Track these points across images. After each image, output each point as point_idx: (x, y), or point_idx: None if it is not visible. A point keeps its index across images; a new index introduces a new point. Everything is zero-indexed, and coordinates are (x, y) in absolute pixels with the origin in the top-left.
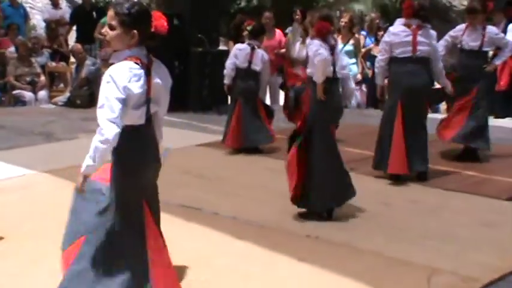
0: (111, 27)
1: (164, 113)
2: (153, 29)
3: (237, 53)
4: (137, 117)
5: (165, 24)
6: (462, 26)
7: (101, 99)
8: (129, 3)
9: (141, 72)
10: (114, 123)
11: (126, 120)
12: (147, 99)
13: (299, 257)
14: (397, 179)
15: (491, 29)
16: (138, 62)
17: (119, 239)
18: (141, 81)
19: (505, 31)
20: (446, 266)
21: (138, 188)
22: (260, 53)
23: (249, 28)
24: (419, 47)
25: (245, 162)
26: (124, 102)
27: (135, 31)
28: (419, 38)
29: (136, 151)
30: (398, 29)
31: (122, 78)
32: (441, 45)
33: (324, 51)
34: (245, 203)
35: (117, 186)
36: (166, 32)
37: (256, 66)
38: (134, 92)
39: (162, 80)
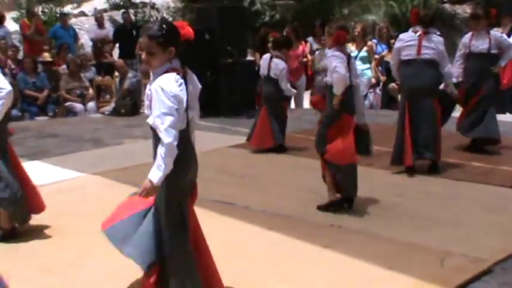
0: (150, 53)
1: (197, 118)
2: (185, 37)
3: (261, 63)
4: (182, 123)
5: (191, 30)
6: (469, 33)
7: (157, 110)
8: (157, 24)
9: (183, 81)
10: (173, 129)
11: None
12: (187, 105)
13: (323, 244)
14: (411, 172)
15: (494, 33)
16: (179, 72)
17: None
18: (184, 90)
19: (509, 34)
20: (457, 249)
21: (186, 186)
22: (275, 61)
23: (271, 39)
24: (423, 51)
25: (272, 160)
26: (177, 110)
27: (172, 48)
28: (424, 43)
29: (182, 153)
30: (406, 35)
31: (172, 89)
32: (458, 56)
33: (342, 67)
34: (273, 197)
35: (169, 186)
36: (193, 37)
37: (273, 74)
38: (183, 100)
39: (194, 88)
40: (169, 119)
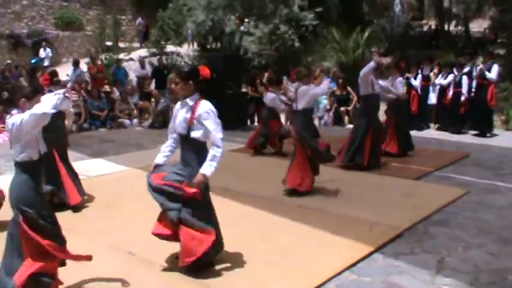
0: (176, 83)
1: None
2: (201, 77)
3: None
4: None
5: (208, 71)
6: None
7: (214, 125)
8: (185, 66)
9: None
10: (224, 139)
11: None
12: None
13: (292, 218)
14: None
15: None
16: None
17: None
18: None
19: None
20: (381, 220)
21: None
22: (268, 94)
23: (264, 80)
24: None
25: (259, 161)
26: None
27: (190, 82)
28: None
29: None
30: None
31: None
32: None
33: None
34: (255, 184)
35: None
36: (210, 77)
37: (267, 102)
38: None
39: None
40: (221, 132)
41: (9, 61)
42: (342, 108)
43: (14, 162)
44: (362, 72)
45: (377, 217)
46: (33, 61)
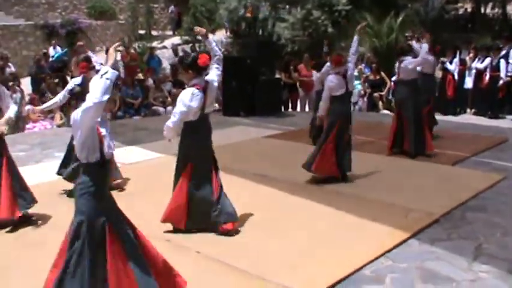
0: (179, 72)
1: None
2: (200, 65)
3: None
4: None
5: (206, 59)
6: None
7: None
8: (186, 57)
9: (199, 92)
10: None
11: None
12: (202, 106)
13: (326, 203)
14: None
15: None
16: (198, 87)
17: None
18: (197, 99)
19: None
20: (417, 206)
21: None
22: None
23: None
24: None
25: (293, 147)
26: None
27: (190, 71)
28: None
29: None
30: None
31: (185, 99)
32: None
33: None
34: (290, 170)
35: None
36: (207, 63)
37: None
38: (193, 106)
39: (211, 93)
40: (176, 114)
41: (44, 51)
42: (376, 94)
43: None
44: (410, 64)
45: (413, 203)
46: (56, 55)
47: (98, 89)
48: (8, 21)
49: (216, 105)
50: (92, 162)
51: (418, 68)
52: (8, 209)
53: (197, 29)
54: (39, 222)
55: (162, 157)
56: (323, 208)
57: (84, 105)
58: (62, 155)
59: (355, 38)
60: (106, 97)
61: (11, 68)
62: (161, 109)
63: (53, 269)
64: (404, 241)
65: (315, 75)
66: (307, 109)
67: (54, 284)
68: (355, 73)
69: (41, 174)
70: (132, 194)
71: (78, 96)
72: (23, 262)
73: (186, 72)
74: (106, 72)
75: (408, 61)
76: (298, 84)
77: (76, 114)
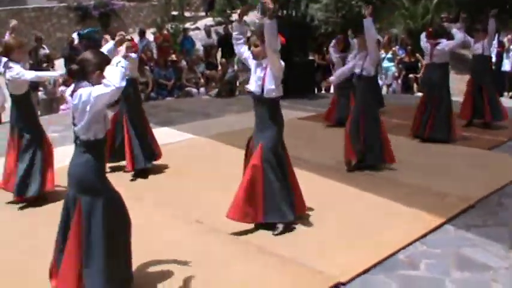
0: (256, 46)
1: None
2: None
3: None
4: None
5: (283, 39)
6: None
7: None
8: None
9: None
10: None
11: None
12: None
13: (362, 187)
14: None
15: None
16: None
17: None
18: None
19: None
20: (452, 190)
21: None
22: None
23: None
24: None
25: (328, 129)
26: None
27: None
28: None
29: None
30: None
31: None
32: None
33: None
34: (325, 153)
35: None
36: (284, 43)
37: None
38: None
39: None
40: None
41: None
42: (411, 76)
43: (76, 141)
44: (447, 46)
45: (448, 188)
46: (85, 31)
47: (116, 75)
48: (41, 3)
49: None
50: (99, 139)
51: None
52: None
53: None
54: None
55: (195, 138)
56: (357, 191)
57: (100, 90)
58: None
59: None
60: (124, 83)
61: (45, 50)
62: (194, 90)
63: (69, 250)
64: (440, 226)
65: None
66: None
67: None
68: (389, 55)
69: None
70: (165, 176)
71: (78, 75)
72: (40, 243)
73: (264, 47)
74: (119, 62)
75: (444, 43)
76: (331, 65)
77: (86, 95)
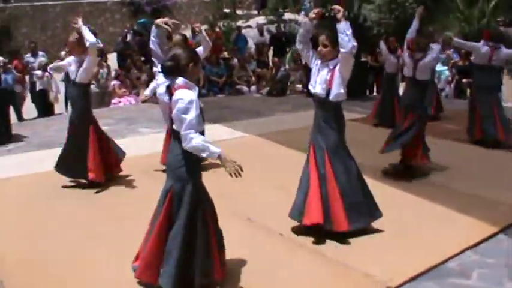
0: (324, 46)
1: None
2: None
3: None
4: None
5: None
6: None
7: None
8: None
9: None
10: None
11: None
12: None
13: (412, 192)
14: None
15: None
16: None
17: None
18: None
19: None
20: (505, 199)
21: None
22: None
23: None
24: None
25: (378, 131)
26: None
27: (338, 47)
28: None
29: None
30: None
31: None
32: None
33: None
34: (376, 156)
35: None
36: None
37: None
38: None
39: None
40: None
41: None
42: (465, 80)
43: (173, 134)
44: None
45: (502, 196)
46: (141, 21)
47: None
48: None
49: (299, 86)
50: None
51: None
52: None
53: (336, 8)
54: (125, 196)
55: (246, 136)
56: (408, 196)
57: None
58: (146, 130)
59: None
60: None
61: (99, 44)
62: (245, 88)
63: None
64: (493, 235)
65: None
66: None
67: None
68: (444, 59)
69: (126, 149)
70: (216, 173)
71: (173, 71)
72: (108, 233)
73: (333, 48)
74: None
75: (506, 52)
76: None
77: (187, 100)
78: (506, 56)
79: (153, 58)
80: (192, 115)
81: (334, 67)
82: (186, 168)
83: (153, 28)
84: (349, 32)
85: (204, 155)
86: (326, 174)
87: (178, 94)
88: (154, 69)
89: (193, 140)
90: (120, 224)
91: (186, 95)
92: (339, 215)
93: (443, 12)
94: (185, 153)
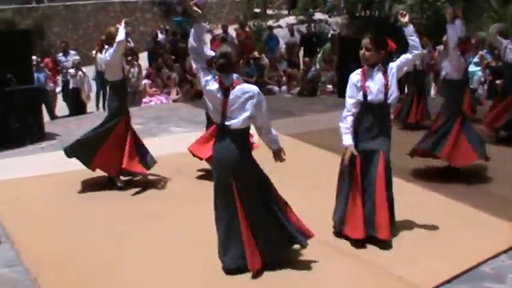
0: (368, 49)
1: None
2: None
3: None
4: None
5: (393, 44)
6: None
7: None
8: (376, 34)
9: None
10: None
11: None
12: None
13: (443, 193)
14: None
15: None
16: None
17: None
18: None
19: None
20: None
21: None
22: None
23: None
24: None
25: (408, 134)
26: None
27: (382, 51)
28: None
29: None
30: None
31: None
32: None
33: None
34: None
35: None
36: (395, 48)
37: None
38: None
39: None
40: None
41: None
42: (498, 81)
43: (224, 128)
44: None
45: None
46: (177, 19)
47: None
48: None
49: (330, 86)
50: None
51: None
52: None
53: (403, 12)
54: (155, 195)
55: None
56: (444, 199)
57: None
58: (177, 129)
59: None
60: None
61: (130, 43)
62: (276, 88)
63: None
64: None
65: None
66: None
67: None
68: (476, 59)
69: (157, 148)
70: None
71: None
72: (139, 232)
73: (377, 52)
74: None
75: None
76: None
77: (255, 98)
78: None
79: (191, 56)
80: (265, 103)
81: (386, 70)
82: (249, 160)
83: (194, 25)
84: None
85: (274, 146)
86: (377, 181)
87: (242, 88)
88: (194, 66)
89: (273, 131)
90: (151, 223)
91: (251, 87)
92: (384, 223)
93: (476, 12)
94: (244, 146)
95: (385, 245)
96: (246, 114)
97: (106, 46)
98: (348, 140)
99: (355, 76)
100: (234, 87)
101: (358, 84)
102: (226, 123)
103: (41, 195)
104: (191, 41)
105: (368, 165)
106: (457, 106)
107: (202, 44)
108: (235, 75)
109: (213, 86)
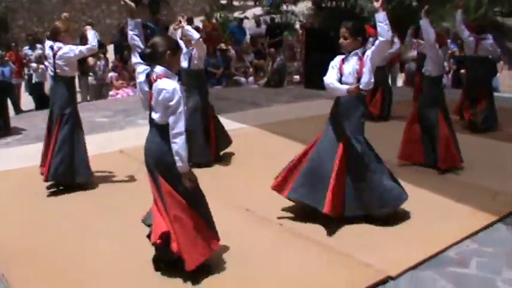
0: (345, 38)
1: None
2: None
3: None
4: None
5: (371, 30)
6: None
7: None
8: (352, 22)
9: None
10: None
11: None
12: None
13: (411, 182)
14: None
15: None
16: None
17: None
18: None
19: None
20: (504, 188)
21: None
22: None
23: None
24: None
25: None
26: None
27: (359, 38)
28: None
29: None
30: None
31: None
32: None
33: None
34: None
35: None
36: (374, 34)
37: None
38: None
39: None
40: None
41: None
42: (463, 71)
43: (151, 121)
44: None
45: (500, 185)
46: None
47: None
48: None
49: (297, 77)
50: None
51: None
52: None
53: None
54: (119, 187)
55: (244, 127)
56: (407, 186)
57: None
58: (144, 122)
59: (423, 21)
60: None
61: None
62: (242, 79)
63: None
64: (491, 225)
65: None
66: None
67: None
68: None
69: (125, 140)
70: (215, 164)
71: (151, 59)
72: (107, 225)
73: (353, 39)
74: None
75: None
76: None
77: (169, 95)
78: (487, 47)
79: (132, 51)
80: (179, 105)
81: (363, 55)
82: (169, 155)
83: (129, 21)
84: (387, 21)
85: (176, 158)
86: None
87: (161, 84)
88: (133, 60)
89: (181, 141)
90: (115, 216)
91: (169, 85)
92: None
93: (439, 2)
94: (168, 140)
95: (352, 232)
96: (161, 110)
97: (49, 41)
98: (344, 87)
99: (336, 59)
100: (156, 81)
101: (336, 66)
102: (152, 116)
103: (6, 190)
104: (129, 38)
105: (332, 147)
106: (438, 105)
107: (141, 39)
108: (160, 68)
109: (141, 77)
